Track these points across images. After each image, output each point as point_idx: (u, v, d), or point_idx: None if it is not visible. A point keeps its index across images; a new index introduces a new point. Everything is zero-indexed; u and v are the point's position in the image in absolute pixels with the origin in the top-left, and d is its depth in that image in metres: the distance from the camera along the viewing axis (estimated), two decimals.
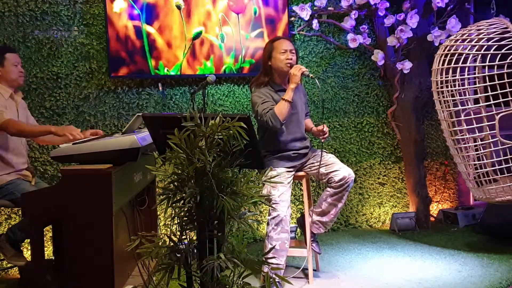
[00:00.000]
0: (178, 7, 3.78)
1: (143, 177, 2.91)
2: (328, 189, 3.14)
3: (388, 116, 4.43)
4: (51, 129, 2.87)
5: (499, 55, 3.22)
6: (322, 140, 3.17)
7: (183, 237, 1.95)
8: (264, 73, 3.18)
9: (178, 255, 1.92)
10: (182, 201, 1.90)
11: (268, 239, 3.01)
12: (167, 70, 3.83)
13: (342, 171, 3.09)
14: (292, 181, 3.15)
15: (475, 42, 3.33)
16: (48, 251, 3.55)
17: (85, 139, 2.73)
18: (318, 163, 3.13)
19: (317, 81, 3.09)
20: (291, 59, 3.10)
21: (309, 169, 3.23)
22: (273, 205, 2.97)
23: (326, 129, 3.13)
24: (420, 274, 3.25)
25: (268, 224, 3.03)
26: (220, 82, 4.04)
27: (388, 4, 4.08)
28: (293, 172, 3.17)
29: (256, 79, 3.21)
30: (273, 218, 2.98)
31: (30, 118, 3.27)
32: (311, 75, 3.04)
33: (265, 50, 3.19)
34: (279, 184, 2.96)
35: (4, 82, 3.04)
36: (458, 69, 3.40)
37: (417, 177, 4.34)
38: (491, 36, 3.30)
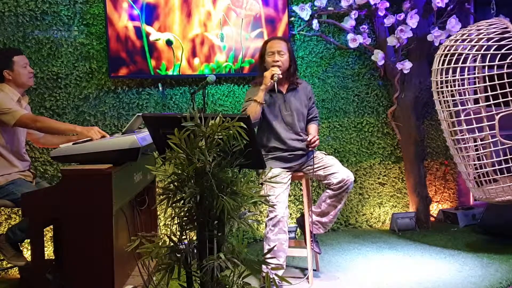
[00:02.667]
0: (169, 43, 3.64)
1: (143, 177, 2.91)
2: (328, 190, 3.14)
3: (388, 116, 4.43)
4: (76, 129, 2.87)
5: (499, 55, 3.23)
6: (309, 149, 3.16)
7: (183, 237, 1.95)
8: (260, 73, 3.21)
9: (178, 255, 1.92)
10: (182, 201, 1.90)
11: (266, 240, 3.01)
12: (168, 70, 3.84)
13: (340, 173, 3.08)
14: (290, 181, 3.14)
15: (475, 42, 3.33)
16: (48, 251, 3.55)
17: (85, 139, 2.73)
18: (316, 165, 3.14)
19: (276, 86, 3.07)
20: (277, 61, 3.13)
21: (308, 171, 3.23)
22: (270, 206, 2.97)
23: (313, 140, 3.12)
24: (420, 274, 3.26)
25: (266, 225, 3.03)
26: (220, 82, 4.04)
27: (388, 4, 4.07)
28: (290, 173, 3.16)
29: (255, 78, 3.29)
30: (271, 219, 2.98)
31: None
32: (275, 78, 3.04)
33: (260, 51, 3.26)
34: (276, 184, 2.96)
35: (13, 85, 3.02)
36: (458, 69, 3.40)
37: (417, 177, 4.35)
38: (491, 36, 3.30)
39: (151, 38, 3.79)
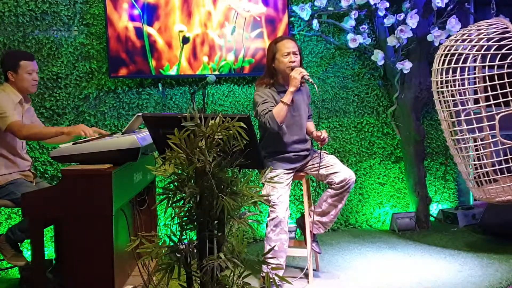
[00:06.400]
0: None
1: (143, 177, 2.91)
2: (329, 190, 3.14)
3: (388, 116, 4.43)
4: (63, 130, 2.90)
5: (499, 55, 3.22)
6: (320, 146, 3.14)
7: (183, 237, 1.95)
8: (268, 74, 3.13)
9: (178, 255, 1.92)
10: (182, 201, 1.90)
11: (267, 240, 3.02)
12: (169, 70, 3.84)
13: (342, 172, 3.08)
14: (291, 182, 3.14)
15: (475, 42, 3.33)
16: (49, 251, 3.55)
17: (85, 140, 2.73)
18: (318, 165, 3.13)
19: (316, 86, 3.06)
20: (294, 61, 3.06)
21: (310, 170, 3.23)
22: (272, 207, 2.96)
23: (325, 135, 3.09)
24: (420, 274, 3.25)
25: (267, 225, 3.03)
26: (220, 82, 4.04)
27: (388, 4, 4.07)
28: (292, 174, 3.16)
29: (261, 79, 3.18)
30: (272, 219, 2.98)
31: (37, 123, 3.28)
32: (311, 80, 3.02)
33: (269, 51, 3.14)
34: (278, 185, 2.96)
35: (16, 87, 3.05)
36: (458, 69, 3.40)
37: (417, 177, 4.35)
38: (491, 36, 3.30)
39: (176, 29, 3.83)
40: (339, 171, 3.08)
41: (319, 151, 3.24)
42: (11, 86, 3.04)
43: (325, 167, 3.14)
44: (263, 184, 2.96)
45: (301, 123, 3.18)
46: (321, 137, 3.08)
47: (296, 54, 3.09)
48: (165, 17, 3.81)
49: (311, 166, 3.21)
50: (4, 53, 3.19)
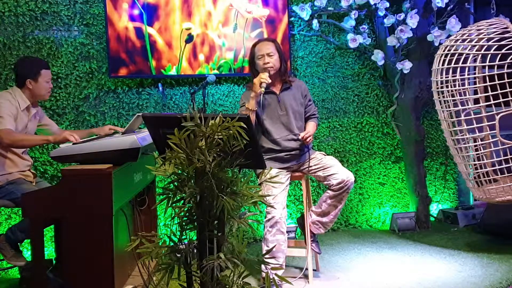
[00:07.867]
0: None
1: (143, 177, 2.91)
2: (328, 191, 3.14)
3: (388, 116, 4.43)
4: (49, 139, 2.89)
5: (499, 55, 3.22)
6: (305, 144, 3.14)
7: (183, 237, 1.95)
8: (253, 77, 3.19)
9: (178, 255, 1.92)
10: (182, 201, 1.90)
11: (264, 242, 3.01)
12: (168, 70, 3.84)
13: (340, 174, 3.07)
14: (288, 182, 3.14)
15: (475, 42, 3.33)
16: (49, 251, 3.55)
17: (85, 140, 2.73)
18: (315, 166, 3.13)
19: (261, 97, 3.07)
20: (268, 63, 3.11)
21: (307, 172, 3.22)
22: (268, 207, 2.96)
23: (305, 136, 3.09)
24: (420, 274, 3.26)
25: (264, 226, 3.03)
26: (220, 82, 4.04)
27: (388, 4, 4.07)
28: (287, 174, 3.16)
29: (249, 81, 3.26)
30: (268, 220, 2.98)
31: (51, 125, 3.31)
32: (263, 85, 3.02)
33: (250, 55, 3.23)
34: (274, 185, 2.95)
35: (29, 94, 3.05)
36: (458, 69, 3.40)
37: (417, 177, 4.35)
38: (491, 36, 3.30)
39: (183, 26, 3.84)
40: (337, 172, 3.08)
41: (318, 152, 3.25)
42: (21, 92, 3.03)
43: (323, 169, 3.13)
44: (260, 185, 2.96)
45: (289, 122, 3.18)
46: (302, 137, 3.09)
47: (271, 55, 3.13)
48: (165, 17, 3.81)
49: (308, 168, 3.20)
50: (21, 60, 3.14)
